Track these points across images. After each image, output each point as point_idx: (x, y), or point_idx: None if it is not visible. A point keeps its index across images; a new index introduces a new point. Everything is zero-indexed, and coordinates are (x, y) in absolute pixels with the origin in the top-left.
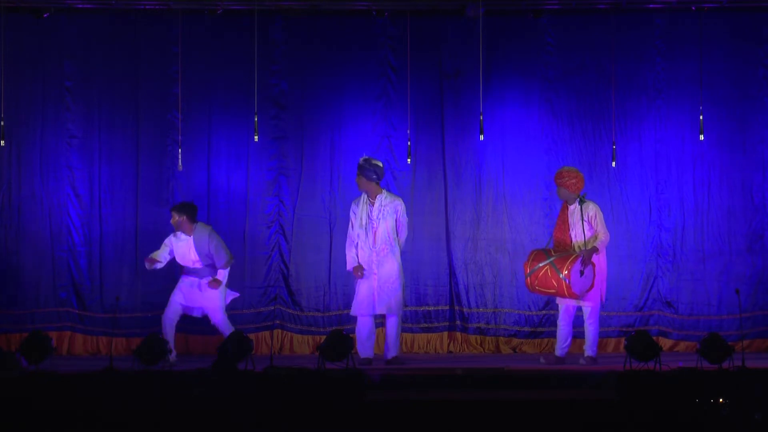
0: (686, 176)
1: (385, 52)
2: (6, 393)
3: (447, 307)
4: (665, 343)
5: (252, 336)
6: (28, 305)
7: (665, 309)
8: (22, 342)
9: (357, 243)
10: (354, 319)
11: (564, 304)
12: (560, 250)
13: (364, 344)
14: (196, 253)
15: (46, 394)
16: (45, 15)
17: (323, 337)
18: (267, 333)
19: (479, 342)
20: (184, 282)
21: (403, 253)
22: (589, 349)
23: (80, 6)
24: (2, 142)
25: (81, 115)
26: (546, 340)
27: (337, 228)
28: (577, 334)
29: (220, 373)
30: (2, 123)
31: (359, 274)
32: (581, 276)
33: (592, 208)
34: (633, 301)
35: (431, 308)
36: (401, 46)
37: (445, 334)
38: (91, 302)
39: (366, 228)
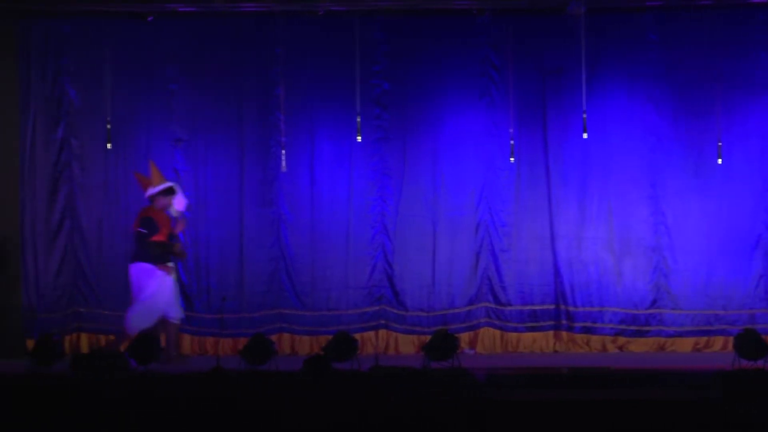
0: None
1: (487, 51)
2: (116, 394)
3: (552, 306)
4: None
5: (357, 336)
6: None
7: None
8: (131, 343)
9: None
10: (457, 318)
11: None
12: None
13: None
14: None
15: (155, 394)
16: (149, 19)
17: (428, 337)
18: (372, 333)
19: (585, 341)
20: None
21: (506, 252)
22: None
23: (183, 9)
24: (109, 145)
25: (185, 117)
26: (652, 339)
27: (440, 227)
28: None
29: (314, 374)
30: (109, 126)
31: None
32: None
33: None
34: (739, 299)
35: (536, 307)
36: (503, 44)
37: (551, 333)
38: (199, 303)
39: None
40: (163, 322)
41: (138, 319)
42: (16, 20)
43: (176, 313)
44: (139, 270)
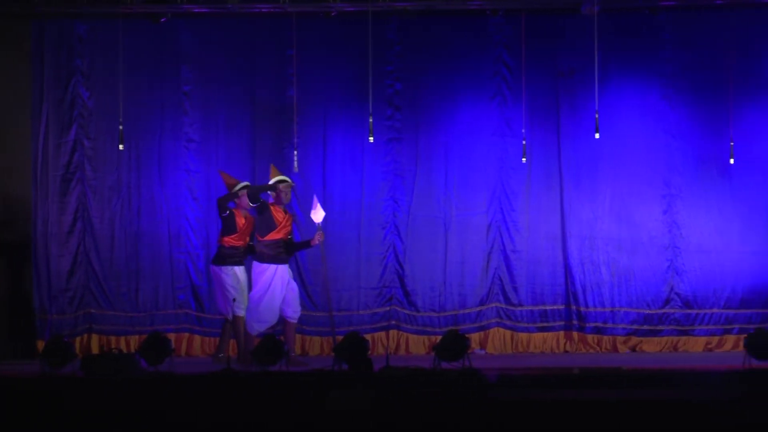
0: None
1: (500, 51)
2: (127, 394)
3: (563, 307)
4: None
5: (368, 336)
6: (147, 307)
7: None
8: (141, 343)
9: None
10: (468, 318)
11: None
12: None
13: None
14: None
15: (165, 394)
16: (162, 20)
17: (438, 337)
18: (383, 333)
19: (596, 341)
20: None
21: (517, 252)
22: None
23: (196, 10)
24: (122, 146)
25: (198, 119)
26: (665, 338)
27: (452, 228)
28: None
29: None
30: (122, 127)
31: None
32: None
33: None
34: (751, 298)
35: (547, 307)
36: (516, 44)
37: (562, 333)
38: (209, 304)
39: None
40: (282, 321)
41: (255, 319)
42: (30, 22)
43: (294, 312)
44: (254, 269)
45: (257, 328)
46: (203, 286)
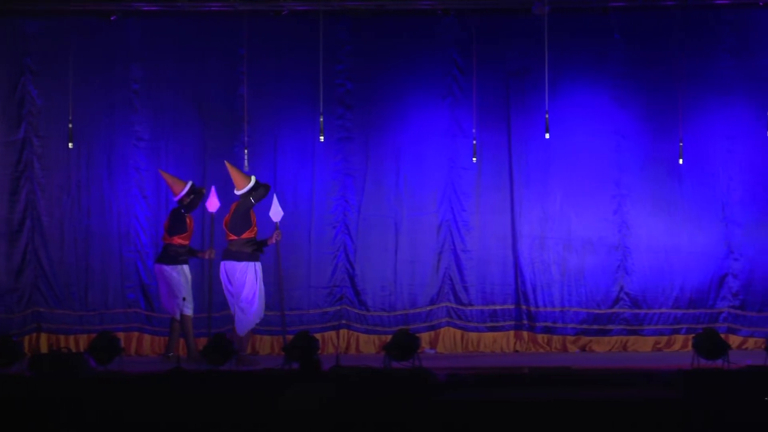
0: (759, 172)
1: (451, 51)
2: (75, 394)
3: (513, 306)
4: (734, 340)
5: (318, 336)
6: (96, 306)
7: (735, 306)
8: (90, 343)
9: None
10: (418, 318)
11: None
12: None
13: None
14: None
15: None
16: (112, 18)
17: (389, 337)
18: (333, 333)
19: (546, 341)
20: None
21: (468, 252)
22: None
23: (146, 8)
24: (71, 144)
25: (148, 117)
26: (615, 338)
27: (403, 227)
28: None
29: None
30: (71, 126)
31: None
32: None
33: None
34: (700, 298)
35: (497, 307)
36: (467, 45)
37: (512, 333)
38: (159, 303)
39: None
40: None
41: (255, 318)
42: None
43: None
44: (232, 268)
45: (253, 325)
46: (153, 285)
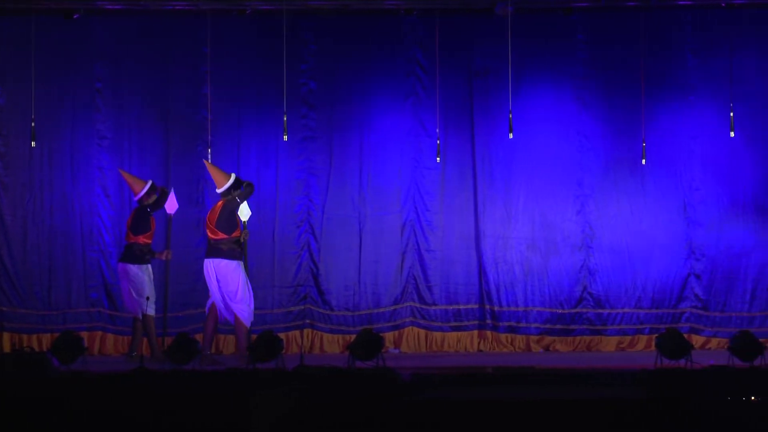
0: (721, 172)
1: (414, 51)
2: (38, 393)
3: (477, 306)
4: (697, 340)
5: (282, 335)
6: (59, 306)
7: (698, 306)
8: (53, 342)
9: None
10: (382, 317)
11: None
12: None
13: None
14: None
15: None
16: (75, 16)
17: (353, 336)
18: (297, 332)
19: (510, 340)
20: None
21: (431, 252)
22: None
23: (110, 7)
24: (34, 143)
25: (111, 116)
26: (578, 338)
27: (367, 227)
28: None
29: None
30: (34, 124)
31: None
32: None
33: None
34: (663, 298)
35: (461, 307)
36: (430, 45)
37: (476, 332)
38: (122, 302)
39: None
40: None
41: (252, 312)
42: None
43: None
44: (225, 268)
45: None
46: (116, 284)
